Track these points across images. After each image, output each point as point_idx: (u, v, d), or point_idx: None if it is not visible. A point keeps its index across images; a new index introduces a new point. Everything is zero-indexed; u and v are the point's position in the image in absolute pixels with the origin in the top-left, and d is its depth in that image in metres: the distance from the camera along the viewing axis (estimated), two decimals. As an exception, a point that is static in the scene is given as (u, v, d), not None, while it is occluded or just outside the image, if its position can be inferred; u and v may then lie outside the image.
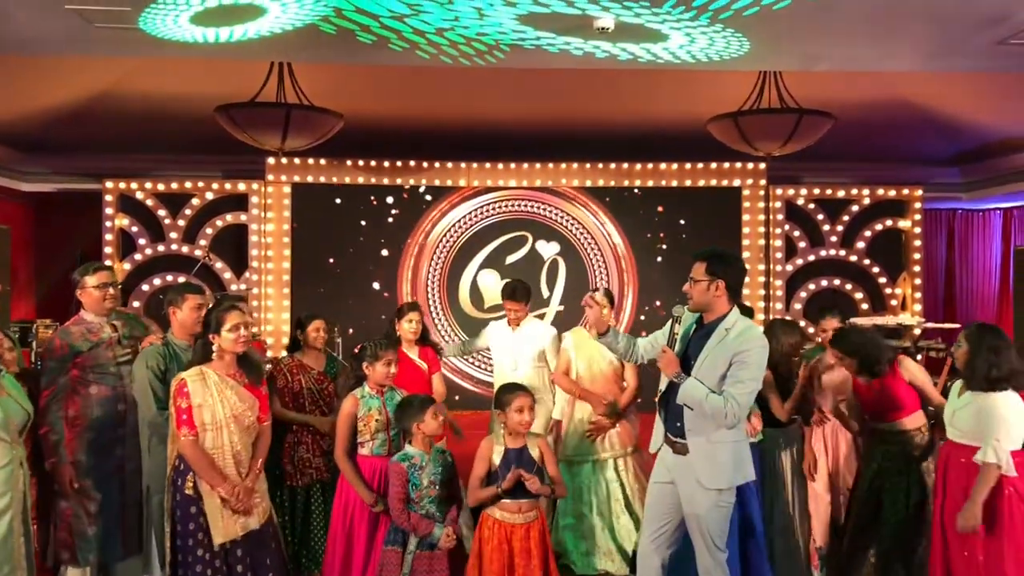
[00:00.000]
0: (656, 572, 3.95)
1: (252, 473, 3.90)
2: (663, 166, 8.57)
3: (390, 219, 8.50)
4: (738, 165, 8.51)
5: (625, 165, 8.57)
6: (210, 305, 4.32)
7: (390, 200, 8.50)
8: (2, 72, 6.64)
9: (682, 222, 8.56)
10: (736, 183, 8.58)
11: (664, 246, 8.55)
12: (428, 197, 8.51)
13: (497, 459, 4.04)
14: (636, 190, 8.58)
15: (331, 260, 8.43)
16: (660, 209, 8.57)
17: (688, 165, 8.55)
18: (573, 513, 5.63)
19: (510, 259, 8.53)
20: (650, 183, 8.59)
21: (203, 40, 4.60)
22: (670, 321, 3.89)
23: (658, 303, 8.57)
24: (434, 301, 8.48)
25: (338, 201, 8.46)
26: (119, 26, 4.21)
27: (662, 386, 3.89)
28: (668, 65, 5.75)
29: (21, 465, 3.93)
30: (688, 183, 8.58)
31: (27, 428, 4.03)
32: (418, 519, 3.92)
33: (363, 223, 8.48)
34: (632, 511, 5.42)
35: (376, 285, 8.49)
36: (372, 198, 8.48)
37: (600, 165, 8.55)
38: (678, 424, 3.77)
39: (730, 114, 6.73)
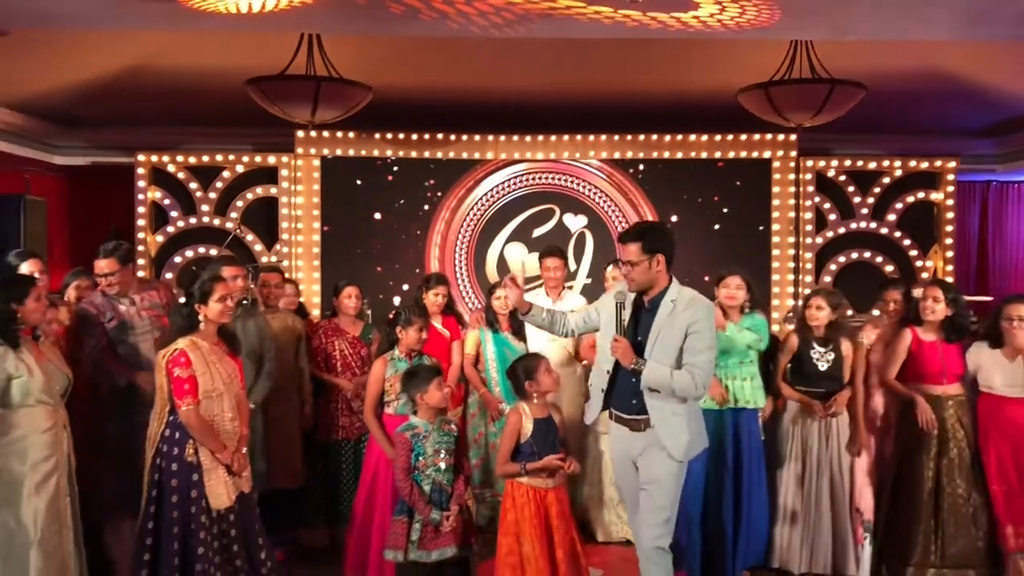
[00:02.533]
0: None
1: (243, 438, 4.04)
2: (692, 138, 8.51)
3: (418, 191, 8.53)
4: (768, 136, 8.44)
5: (654, 137, 8.52)
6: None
7: (418, 172, 8.52)
8: (36, 46, 6.72)
9: (711, 194, 8.51)
10: (767, 154, 8.51)
11: (692, 218, 8.51)
12: (450, 170, 8.51)
13: (528, 430, 4.11)
14: (665, 162, 8.53)
15: (360, 231, 8.48)
16: (689, 181, 8.52)
17: (718, 137, 8.50)
18: (594, 483, 5.72)
19: (537, 232, 8.54)
20: (679, 155, 8.54)
21: (235, 11, 4.63)
22: (615, 307, 3.82)
23: (686, 280, 8.53)
24: (461, 273, 8.53)
25: (366, 173, 8.50)
26: (154, -2, 4.27)
27: (606, 367, 3.86)
28: (698, 35, 5.71)
29: (64, 428, 4.06)
30: (718, 155, 8.52)
31: (67, 392, 4.16)
32: (418, 498, 3.98)
33: (391, 195, 8.51)
34: None
35: (404, 256, 8.54)
36: (400, 170, 8.51)
37: (628, 137, 8.51)
38: (633, 402, 3.80)
39: (761, 84, 6.67)
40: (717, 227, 8.46)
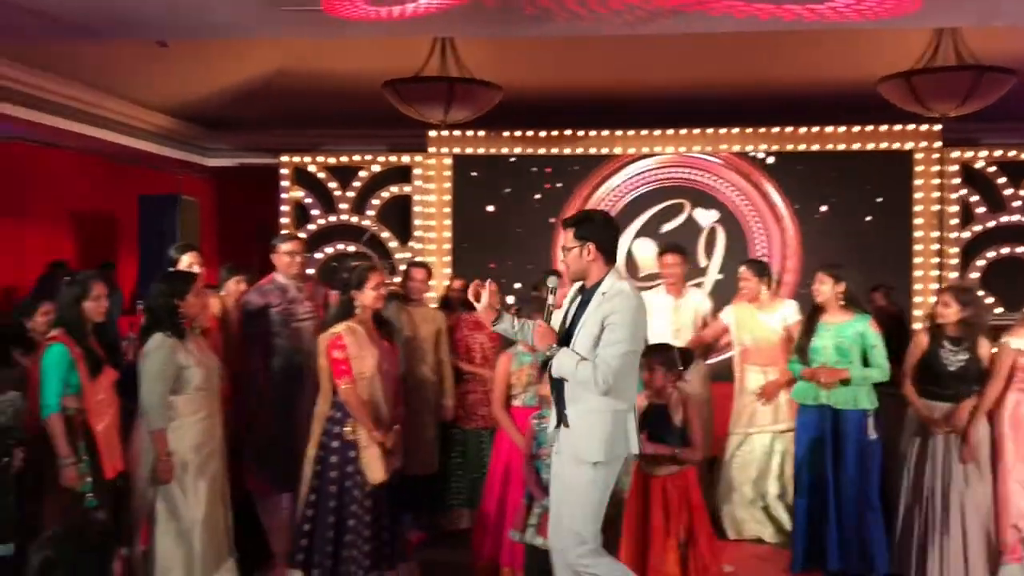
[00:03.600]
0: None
1: (396, 419, 4.25)
2: (828, 129, 8.27)
3: (547, 187, 8.62)
4: (910, 127, 8.10)
5: (788, 129, 8.33)
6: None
7: (547, 169, 8.61)
8: (190, 54, 7.18)
9: (849, 187, 8.24)
10: (908, 146, 8.17)
11: (830, 212, 8.27)
12: (578, 167, 8.55)
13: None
14: (800, 154, 8.32)
15: (490, 228, 8.64)
16: (825, 174, 8.29)
17: (856, 128, 8.22)
18: (730, 481, 5.66)
19: (666, 227, 8.49)
20: (815, 147, 8.31)
21: (376, 19, 4.83)
22: (546, 294, 3.74)
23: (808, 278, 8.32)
24: (590, 269, 8.55)
25: (496, 170, 8.65)
26: (304, 8, 4.50)
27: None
28: (834, 26, 5.56)
29: (218, 414, 4.40)
30: (856, 146, 8.25)
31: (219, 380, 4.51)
32: (535, 484, 4.10)
33: (520, 192, 8.63)
34: (781, 481, 5.47)
35: (533, 252, 8.64)
36: (529, 167, 8.62)
37: (761, 129, 8.35)
38: (562, 396, 3.60)
39: (902, 73, 6.43)
40: (859, 220, 8.19)
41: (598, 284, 3.57)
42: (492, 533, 4.65)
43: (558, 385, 3.61)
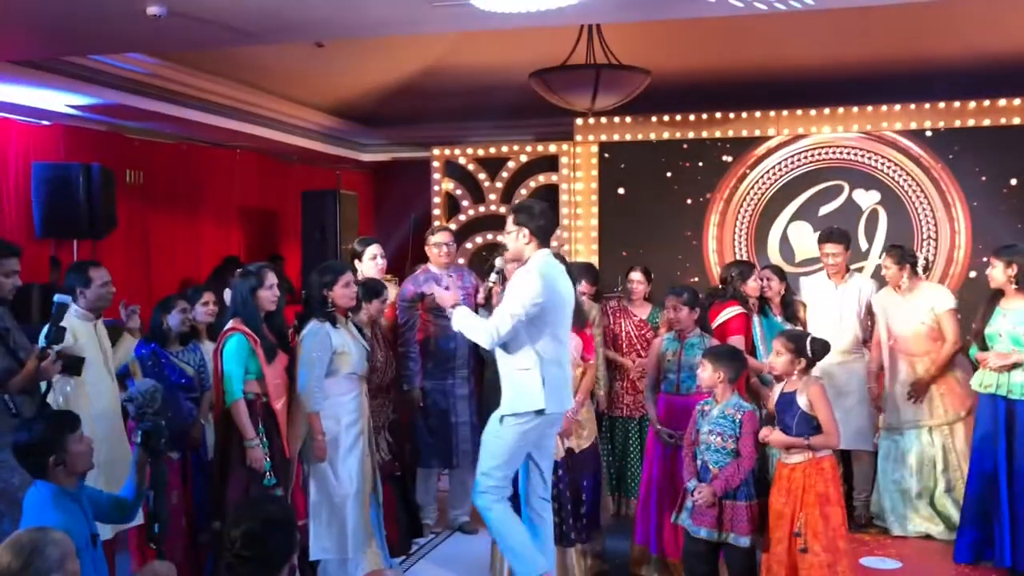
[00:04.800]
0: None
1: (576, 404, 4.38)
2: (1003, 102, 7.71)
3: (695, 171, 8.46)
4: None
5: (956, 104, 7.82)
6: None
7: (694, 153, 8.45)
8: (346, 54, 7.46)
9: (1025, 163, 7.67)
10: (1094, 117, 7.53)
11: (1006, 190, 7.73)
12: (728, 154, 8.35)
13: (773, 401, 4.13)
14: (970, 131, 7.81)
15: (637, 214, 8.56)
16: (1000, 151, 7.74)
17: (1033, 100, 7.64)
18: (892, 476, 5.49)
19: (823, 210, 8.15)
20: (986, 122, 7.78)
21: (524, 10, 4.87)
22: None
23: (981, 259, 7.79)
24: (741, 254, 8.35)
25: (643, 157, 8.56)
26: (454, 3, 4.59)
27: None
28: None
29: (365, 396, 4.65)
30: (1034, 120, 7.67)
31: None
32: (687, 467, 4.21)
33: (668, 176, 8.51)
34: (947, 476, 5.30)
35: (681, 237, 8.51)
36: (676, 152, 8.48)
37: (927, 106, 7.88)
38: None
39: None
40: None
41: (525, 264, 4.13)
42: (643, 519, 4.71)
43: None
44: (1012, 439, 4.59)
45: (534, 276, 3.97)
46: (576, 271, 4.74)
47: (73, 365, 3.89)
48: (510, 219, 4.16)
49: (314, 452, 4.41)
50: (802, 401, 4.03)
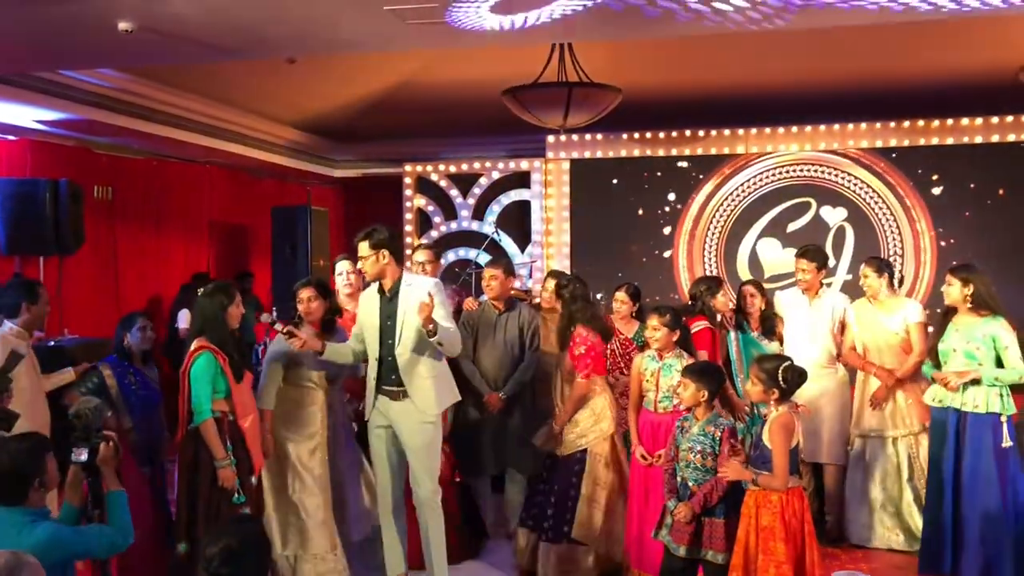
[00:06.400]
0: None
1: (563, 415, 4.87)
2: (965, 121, 7.87)
3: (665, 188, 8.53)
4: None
5: (920, 123, 7.98)
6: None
7: (664, 170, 8.53)
8: (319, 70, 7.45)
9: (991, 181, 7.83)
10: (1058, 137, 7.70)
11: (968, 208, 7.87)
12: (698, 171, 8.43)
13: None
14: (933, 149, 7.96)
15: (608, 231, 8.62)
16: (961, 168, 7.89)
17: (995, 119, 7.80)
18: (855, 485, 5.56)
19: (792, 226, 8.28)
20: (949, 140, 7.93)
21: (499, 28, 4.89)
22: (373, 298, 4.54)
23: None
24: (711, 269, 8.43)
25: (614, 174, 8.63)
26: (429, 21, 4.60)
27: (374, 357, 4.45)
28: (975, 13, 5.30)
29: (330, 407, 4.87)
30: (995, 138, 7.83)
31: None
32: (665, 483, 4.22)
33: (639, 193, 8.58)
34: (913, 485, 5.35)
35: (651, 254, 8.57)
36: (647, 169, 8.56)
37: (891, 124, 8.03)
38: (393, 376, 4.40)
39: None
40: (996, 217, 7.78)
41: (398, 282, 4.42)
42: (633, 536, 4.73)
43: (388, 368, 4.44)
44: (960, 451, 4.66)
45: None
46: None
47: (6, 419, 3.67)
48: (364, 244, 4.42)
49: (263, 447, 4.52)
50: (765, 433, 3.98)
